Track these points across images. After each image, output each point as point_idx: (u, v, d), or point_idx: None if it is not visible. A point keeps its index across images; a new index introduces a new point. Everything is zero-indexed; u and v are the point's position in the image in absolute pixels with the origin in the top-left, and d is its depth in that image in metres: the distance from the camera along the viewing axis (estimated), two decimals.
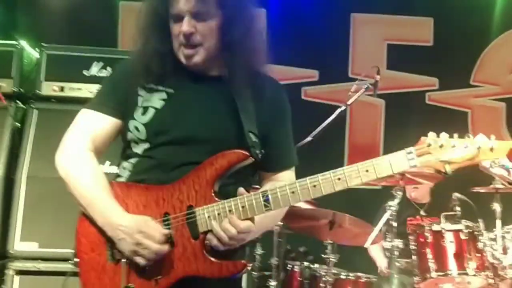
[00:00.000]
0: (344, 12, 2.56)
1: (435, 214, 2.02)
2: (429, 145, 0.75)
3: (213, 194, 0.78)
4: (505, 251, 1.64)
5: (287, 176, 0.87)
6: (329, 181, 0.75)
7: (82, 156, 0.83)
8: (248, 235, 0.78)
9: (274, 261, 1.76)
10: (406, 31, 2.59)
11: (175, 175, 0.79)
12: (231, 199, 0.77)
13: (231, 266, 0.76)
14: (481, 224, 1.70)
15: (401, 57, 2.56)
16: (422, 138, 0.76)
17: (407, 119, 2.46)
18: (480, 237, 1.66)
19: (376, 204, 2.06)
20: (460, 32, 2.52)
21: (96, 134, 0.84)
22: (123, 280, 0.75)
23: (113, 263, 0.78)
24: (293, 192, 0.76)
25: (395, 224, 1.65)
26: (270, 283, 1.74)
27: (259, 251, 1.79)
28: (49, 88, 1.55)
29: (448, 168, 0.73)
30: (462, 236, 1.65)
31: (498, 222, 1.69)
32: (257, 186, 0.85)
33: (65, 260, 1.43)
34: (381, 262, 2.00)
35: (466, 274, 1.62)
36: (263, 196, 0.76)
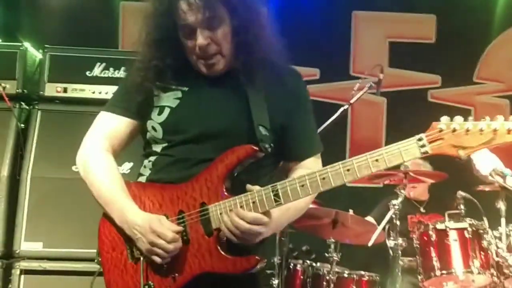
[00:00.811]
0: (346, 9, 2.55)
1: (437, 212, 2.01)
2: (441, 130, 0.71)
3: (224, 191, 0.78)
4: (510, 249, 1.62)
5: (311, 164, 0.86)
6: (339, 173, 0.74)
7: (99, 156, 0.84)
8: (263, 228, 0.77)
9: (276, 259, 1.76)
10: (408, 29, 2.57)
11: (195, 172, 0.80)
12: (242, 195, 0.77)
13: (245, 261, 0.77)
14: (485, 222, 1.69)
15: (403, 54, 2.55)
16: (434, 123, 0.72)
17: (410, 117, 2.43)
18: (484, 236, 1.65)
19: (378, 203, 2.05)
20: (463, 29, 2.50)
21: (112, 135, 0.86)
22: (142, 278, 0.76)
23: (133, 262, 0.80)
24: (302, 185, 0.75)
25: (398, 222, 1.65)
26: (273, 282, 1.73)
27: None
28: (52, 89, 1.56)
29: (462, 154, 0.69)
30: (467, 235, 1.64)
31: (503, 220, 1.68)
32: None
33: (69, 259, 1.48)
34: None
35: (471, 272, 1.61)
36: (272, 191, 0.76)
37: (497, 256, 1.62)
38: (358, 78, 1.82)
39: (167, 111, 0.83)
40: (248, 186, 0.78)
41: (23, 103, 1.59)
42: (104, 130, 0.87)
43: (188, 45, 0.81)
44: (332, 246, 1.73)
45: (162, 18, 0.80)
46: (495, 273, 1.62)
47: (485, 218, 1.70)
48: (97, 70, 1.56)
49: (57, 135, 1.56)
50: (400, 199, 1.66)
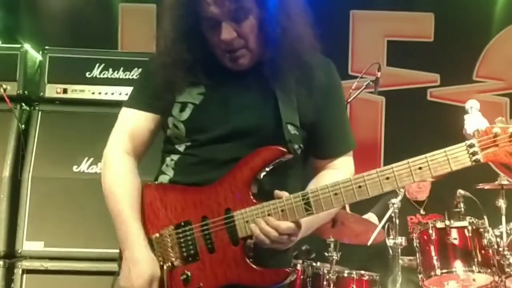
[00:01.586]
0: (343, 9, 2.55)
1: (438, 211, 2.00)
2: (496, 135, 0.62)
3: (251, 196, 0.73)
4: (510, 248, 1.62)
5: (344, 163, 0.79)
6: (376, 181, 0.67)
7: (117, 161, 0.79)
8: (293, 237, 0.72)
9: None
10: (406, 27, 2.56)
11: (219, 174, 0.75)
12: (270, 202, 0.72)
13: (274, 275, 0.72)
14: (486, 221, 1.68)
15: (401, 53, 2.54)
16: (488, 127, 0.63)
17: (409, 116, 2.44)
18: (485, 234, 1.64)
19: (378, 202, 2.05)
20: (462, 27, 2.49)
21: (134, 133, 0.80)
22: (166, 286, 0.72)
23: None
24: (336, 194, 0.69)
25: (397, 221, 1.65)
26: None
27: None
28: (52, 90, 1.57)
29: None
30: (467, 233, 1.64)
31: (504, 219, 1.68)
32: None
33: (70, 259, 1.49)
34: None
35: (472, 271, 1.60)
36: (303, 199, 0.70)
37: (497, 254, 1.62)
38: (356, 77, 1.81)
39: (190, 108, 0.77)
40: (277, 192, 0.71)
41: (23, 104, 1.61)
42: (128, 128, 0.80)
43: (212, 38, 0.74)
44: (332, 245, 1.73)
45: (186, 9, 0.73)
46: (496, 272, 1.61)
47: (485, 217, 1.69)
48: (96, 71, 1.57)
49: (57, 135, 1.57)
50: (399, 198, 1.67)
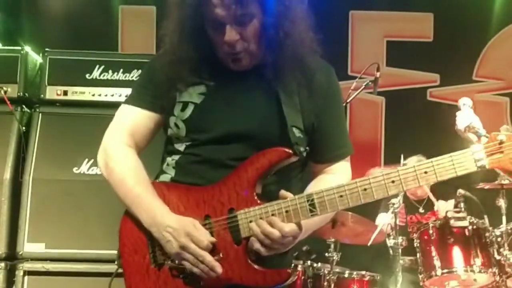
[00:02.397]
0: (343, 9, 2.55)
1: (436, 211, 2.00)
2: (501, 142, 0.63)
3: (255, 196, 0.73)
4: (511, 247, 1.63)
5: (341, 168, 0.79)
6: (382, 185, 0.67)
7: (122, 153, 0.78)
8: (294, 239, 0.72)
9: None
10: (405, 27, 2.57)
11: (222, 174, 0.74)
12: (274, 202, 0.71)
13: (275, 275, 0.72)
14: (486, 221, 1.68)
15: (401, 53, 2.55)
16: (493, 134, 0.64)
17: (408, 116, 2.45)
18: (485, 234, 1.65)
19: (378, 202, 2.03)
20: (461, 27, 2.50)
21: (134, 130, 0.80)
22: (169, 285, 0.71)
23: (156, 267, 0.75)
24: (341, 196, 0.69)
25: (397, 221, 1.65)
26: None
27: None
28: (53, 92, 1.58)
29: None
30: (467, 233, 1.64)
31: (504, 218, 1.68)
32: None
33: (71, 260, 1.49)
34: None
35: (472, 271, 1.60)
36: (308, 200, 0.70)
37: (498, 254, 1.62)
38: (356, 77, 1.80)
39: (191, 107, 0.76)
40: (282, 192, 0.71)
41: (24, 106, 1.61)
42: (126, 124, 0.79)
43: (216, 39, 0.75)
44: (332, 246, 1.73)
45: (193, 9, 0.74)
46: (497, 272, 1.61)
47: (485, 216, 1.69)
48: (96, 73, 1.57)
49: (58, 137, 1.58)
50: (399, 198, 1.67)
